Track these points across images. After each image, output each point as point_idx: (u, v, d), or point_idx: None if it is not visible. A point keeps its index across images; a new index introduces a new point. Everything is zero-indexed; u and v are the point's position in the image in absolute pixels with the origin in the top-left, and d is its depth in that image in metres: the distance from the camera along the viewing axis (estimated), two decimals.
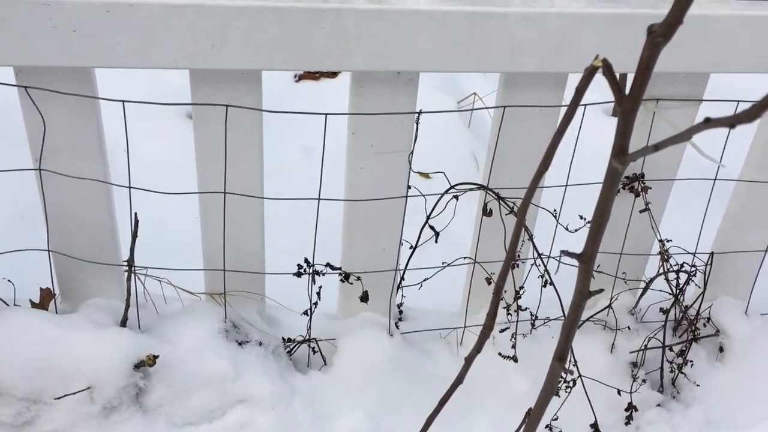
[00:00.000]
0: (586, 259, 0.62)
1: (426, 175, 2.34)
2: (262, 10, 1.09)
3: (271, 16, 1.09)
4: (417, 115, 1.26)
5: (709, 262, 1.51)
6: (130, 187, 1.23)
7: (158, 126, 2.24)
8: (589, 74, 0.51)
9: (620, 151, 0.52)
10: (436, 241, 1.43)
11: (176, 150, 2.15)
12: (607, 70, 0.51)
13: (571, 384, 1.34)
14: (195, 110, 1.22)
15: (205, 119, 1.23)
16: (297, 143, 2.32)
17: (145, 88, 2.34)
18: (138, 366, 1.23)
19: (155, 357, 1.20)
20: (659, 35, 0.46)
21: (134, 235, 1.27)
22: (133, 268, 1.29)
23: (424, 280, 1.45)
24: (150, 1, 1.06)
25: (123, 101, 1.15)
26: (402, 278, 1.47)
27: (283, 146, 2.29)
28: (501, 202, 1.35)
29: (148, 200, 1.33)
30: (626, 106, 0.50)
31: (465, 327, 1.49)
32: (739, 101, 1.37)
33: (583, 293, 0.60)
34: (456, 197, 1.39)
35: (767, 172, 1.43)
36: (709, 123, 0.43)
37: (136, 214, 1.27)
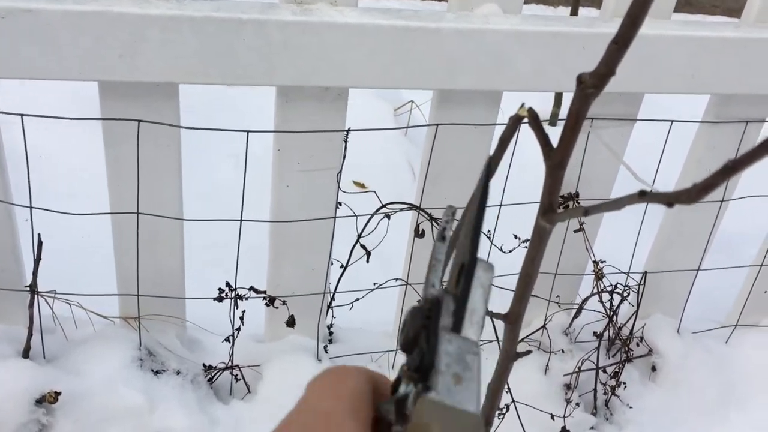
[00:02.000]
0: (512, 319, 0.57)
1: (361, 185, 2.28)
2: (177, 20, 1.01)
3: (187, 26, 1.01)
4: (346, 133, 1.19)
5: (642, 282, 1.50)
6: (31, 207, 1.12)
7: (77, 130, 2.11)
8: (513, 124, 0.46)
9: (549, 209, 0.47)
10: (367, 261, 1.37)
11: (96, 155, 2.03)
12: (533, 120, 0.46)
13: (504, 410, 1.31)
14: (105, 125, 1.13)
15: (117, 134, 1.14)
16: (226, 150, 2.22)
17: (66, 87, 2.20)
18: (40, 401, 1.13)
19: (57, 393, 1.10)
20: (590, 86, 0.41)
21: (37, 258, 1.17)
22: (36, 294, 1.19)
23: (356, 300, 1.39)
24: (50, 6, 0.97)
25: (21, 114, 1.04)
26: (332, 299, 1.40)
27: (211, 153, 2.19)
28: (433, 222, 1.30)
29: (59, 214, 1.22)
30: (554, 161, 0.44)
31: (397, 350, 1.44)
32: (672, 121, 1.36)
33: (509, 354, 0.55)
34: (388, 216, 1.33)
35: None
36: (643, 197, 0.38)
37: (39, 235, 1.16)
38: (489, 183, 0.38)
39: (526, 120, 0.47)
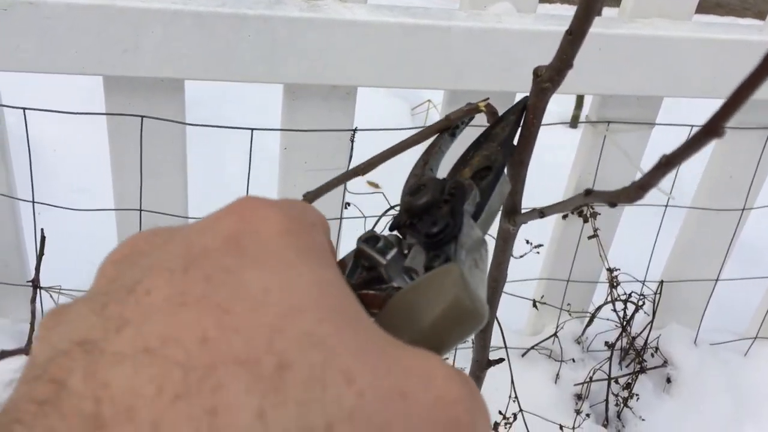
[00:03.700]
0: (482, 327, 0.54)
1: (375, 185, 2.25)
2: (181, 15, 0.99)
3: (191, 21, 0.99)
4: (353, 133, 1.17)
5: (658, 291, 1.46)
6: (33, 202, 1.12)
7: (91, 121, 2.12)
8: (465, 113, 0.44)
9: (512, 211, 0.45)
10: None
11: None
12: (491, 116, 0.43)
13: (512, 420, 1.27)
14: (109, 120, 1.12)
15: (121, 130, 1.12)
16: (236, 144, 2.21)
17: (77, 80, 2.21)
18: None
19: None
20: (546, 80, 0.38)
21: (40, 254, 1.16)
22: (38, 289, 1.18)
23: None
24: (53, 0, 0.95)
25: (24, 108, 1.03)
26: None
27: (220, 147, 2.18)
28: None
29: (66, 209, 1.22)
30: (515, 160, 0.42)
31: None
32: (692, 126, 1.32)
33: (481, 363, 0.53)
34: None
35: (719, 199, 1.38)
36: (588, 196, 0.36)
37: (42, 230, 1.16)
38: (523, 114, 0.40)
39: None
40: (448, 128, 0.43)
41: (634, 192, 0.31)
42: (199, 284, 0.22)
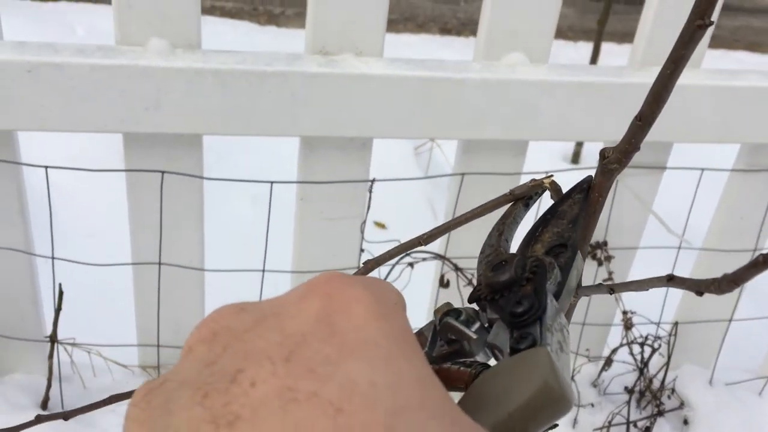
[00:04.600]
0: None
1: (382, 225, 2.26)
2: (202, 73, 1.00)
3: (211, 79, 1.01)
4: (370, 183, 1.18)
5: (673, 332, 1.46)
6: (53, 258, 1.12)
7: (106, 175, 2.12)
8: (530, 188, 0.44)
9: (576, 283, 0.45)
10: None
11: (118, 196, 2.04)
12: (555, 193, 0.44)
13: None
14: (128, 175, 1.12)
15: (140, 184, 1.13)
16: (245, 191, 2.22)
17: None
18: None
19: None
20: (613, 162, 0.39)
21: (58, 309, 1.16)
22: (56, 344, 1.17)
23: None
24: (77, 61, 0.97)
25: (45, 167, 1.04)
26: None
27: (230, 194, 2.19)
28: (459, 273, 1.28)
29: (81, 258, 1.21)
30: (576, 237, 0.42)
31: None
32: (703, 169, 1.33)
33: None
34: (411, 265, 1.31)
35: (730, 240, 1.39)
36: (671, 281, 0.37)
37: (60, 285, 1.15)
38: (588, 192, 0.42)
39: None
40: (519, 199, 0.44)
41: (726, 285, 0.32)
42: (305, 377, 0.21)
